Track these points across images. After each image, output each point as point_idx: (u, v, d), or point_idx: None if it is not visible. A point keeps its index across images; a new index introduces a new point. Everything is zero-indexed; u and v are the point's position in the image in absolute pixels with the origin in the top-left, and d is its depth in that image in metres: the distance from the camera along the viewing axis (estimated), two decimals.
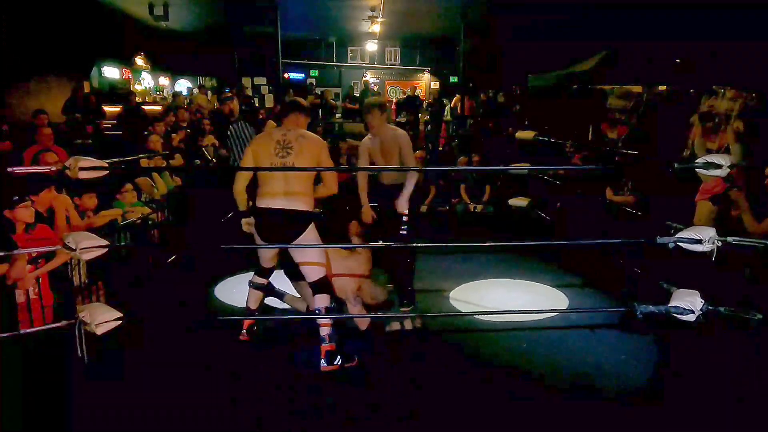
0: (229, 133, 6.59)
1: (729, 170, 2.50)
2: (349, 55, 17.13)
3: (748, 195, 4.04)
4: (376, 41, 16.17)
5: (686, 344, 3.57)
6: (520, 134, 8.29)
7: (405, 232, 4.17)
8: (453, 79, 14.95)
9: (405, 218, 4.16)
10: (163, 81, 15.37)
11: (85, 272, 4.16)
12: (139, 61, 14.11)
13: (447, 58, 15.77)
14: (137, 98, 12.63)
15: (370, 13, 12.42)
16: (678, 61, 7.12)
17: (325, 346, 3.40)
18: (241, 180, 3.63)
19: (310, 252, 3.55)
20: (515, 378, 3.41)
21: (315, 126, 11.99)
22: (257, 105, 12.73)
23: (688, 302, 2.47)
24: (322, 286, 3.56)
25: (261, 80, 15.31)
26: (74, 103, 9.01)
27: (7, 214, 3.69)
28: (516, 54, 11.57)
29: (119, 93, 12.43)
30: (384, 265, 4.34)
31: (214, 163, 7.63)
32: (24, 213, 3.72)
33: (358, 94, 16.00)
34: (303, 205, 3.46)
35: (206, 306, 4.53)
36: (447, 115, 13.50)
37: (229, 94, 6.33)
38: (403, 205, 4.13)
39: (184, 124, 8.56)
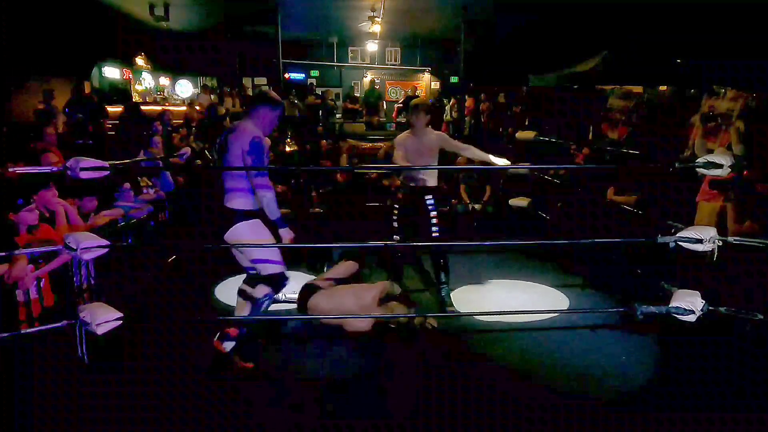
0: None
1: (730, 170, 2.51)
2: (350, 55, 17.12)
3: (735, 196, 4.05)
4: (376, 41, 16.16)
5: (686, 344, 3.58)
6: (521, 134, 8.30)
7: (437, 234, 4.42)
8: (453, 79, 14.94)
9: (435, 220, 4.42)
10: (164, 81, 15.35)
11: (86, 272, 4.16)
12: (140, 61, 14.09)
13: (447, 59, 15.76)
14: (136, 98, 12.66)
15: (371, 14, 12.41)
16: (678, 61, 7.11)
17: (230, 329, 3.40)
18: None
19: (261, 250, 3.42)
20: (515, 378, 3.41)
21: (315, 126, 12.03)
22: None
23: (689, 302, 2.47)
24: (272, 280, 3.43)
25: (261, 80, 15.32)
26: (76, 103, 9.02)
27: (11, 217, 3.71)
28: (516, 54, 11.57)
29: (119, 93, 12.45)
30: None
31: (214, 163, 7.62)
32: (28, 216, 3.75)
33: (358, 94, 16.00)
34: (233, 203, 3.35)
35: (206, 306, 4.53)
36: (447, 115, 13.49)
37: (224, 112, 6.17)
38: (501, 161, 4.42)
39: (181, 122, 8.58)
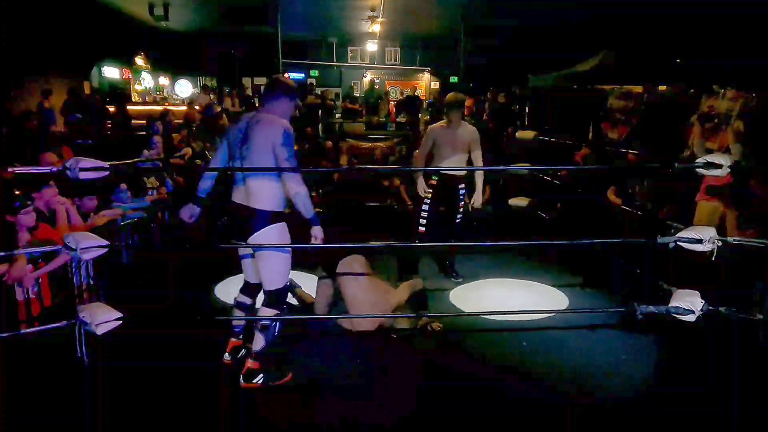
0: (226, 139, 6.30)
1: (729, 170, 2.52)
2: (349, 55, 17.14)
3: (736, 201, 4.04)
4: (376, 41, 16.18)
5: (686, 344, 3.58)
6: (521, 134, 8.32)
7: (459, 221, 4.99)
8: (453, 79, 14.96)
9: (461, 209, 4.95)
10: (163, 81, 15.36)
11: (85, 272, 4.16)
12: (139, 61, 14.10)
13: (447, 58, 15.77)
14: (136, 97, 12.63)
15: (370, 13, 12.43)
16: (678, 61, 7.12)
17: (250, 363, 3.19)
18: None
19: (274, 256, 3.14)
20: (515, 378, 3.40)
21: (315, 126, 12.02)
22: (257, 105, 12.72)
23: (688, 302, 2.48)
24: (277, 297, 3.20)
25: (261, 80, 15.33)
26: (73, 103, 9.03)
27: (8, 218, 3.72)
28: (516, 54, 11.59)
29: (118, 93, 12.46)
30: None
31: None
32: (25, 219, 3.75)
33: (358, 94, 16.01)
34: (260, 202, 3.06)
35: (206, 305, 4.53)
36: None
37: (219, 111, 6.01)
38: (479, 200, 4.90)
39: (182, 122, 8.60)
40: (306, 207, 3.06)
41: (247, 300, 3.44)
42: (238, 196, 3.14)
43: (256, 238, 3.06)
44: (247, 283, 3.43)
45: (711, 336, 3.31)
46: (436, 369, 3.49)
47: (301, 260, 4.24)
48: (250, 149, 3.04)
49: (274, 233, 3.07)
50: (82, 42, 10.34)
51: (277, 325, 3.24)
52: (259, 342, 3.17)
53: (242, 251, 3.32)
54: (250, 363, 3.18)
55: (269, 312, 3.19)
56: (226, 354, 3.42)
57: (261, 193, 3.04)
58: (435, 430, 2.90)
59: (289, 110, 3.20)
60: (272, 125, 3.01)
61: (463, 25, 12.30)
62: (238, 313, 3.46)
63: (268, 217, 3.05)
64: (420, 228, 4.91)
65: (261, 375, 3.19)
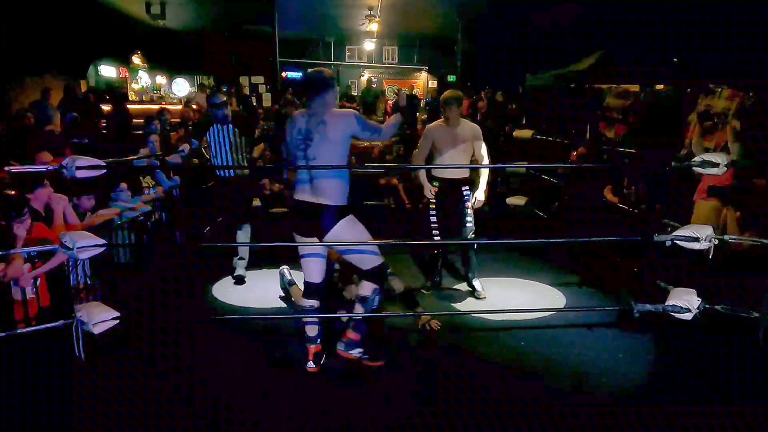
0: (208, 135, 6.15)
1: (726, 168, 2.52)
2: (347, 54, 17.13)
3: (738, 202, 4.04)
4: (373, 40, 16.18)
5: (684, 343, 3.59)
6: (518, 133, 8.32)
7: (471, 224, 4.60)
8: (451, 78, 14.98)
9: (469, 210, 4.56)
10: (160, 80, 15.32)
11: (82, 271, 4.15)
12: (136, 59, 14.07)
13: (445, 57, 15.78)
14: (133, 96, 12.60)
15: (368, 12, 12.44)
16: (675, 60, 7.12)
17: (351, 333, 3.38)
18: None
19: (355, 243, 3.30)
20: (512, 376, 3.41)
21: None
22: (255, 104, 12.72)
23: (685, 301, 2.48)
24: (380, 273, 3.36)
25: (258, 79, 15.31)
26: (69, 102, 9.00)
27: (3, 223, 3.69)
28: (513, 53, 11.59)
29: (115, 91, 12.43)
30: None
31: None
32: (20, 228, 3.72)
33: (356, 93, 16.00)
34: (330, 198, 3.17)
35: (204, 305, 4.52)
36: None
37: (225, 100, 5.73)
38: (481, 197, 4.55)
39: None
40: (392, 132, 3.38)
41: (315, 303, 3.45)
42: (303, 195, 3.23)
43: (331, 236, 3.18)
44: (308, 285, 3.43)
45: (709, 335, 3.33)
46: (433, 368, 3.49)
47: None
48: (319, 148, 3.14)
49: (348, 226, 3.21)
50: (79, 41, 10.32)
51: (377, 298, 3.35)
52: (359, 312, 3.35)
53: (308, 250, 3.36)
54: (350, 333, 3.37)
55: (370, 286, 3.32)
56: (310, 363, 3.41)
57: (330, 189, 3.15)
58: (433, 428, 2.90)
59: (336, 99, 3.38)
60: (342, 118, 3.16)
61: (461, 24, 12.32)
62: (311, 320, 3.43)
63: (339, 212, 3.17)
64: (435, 238, 4.65)
65: (360, 349, 3.38)
